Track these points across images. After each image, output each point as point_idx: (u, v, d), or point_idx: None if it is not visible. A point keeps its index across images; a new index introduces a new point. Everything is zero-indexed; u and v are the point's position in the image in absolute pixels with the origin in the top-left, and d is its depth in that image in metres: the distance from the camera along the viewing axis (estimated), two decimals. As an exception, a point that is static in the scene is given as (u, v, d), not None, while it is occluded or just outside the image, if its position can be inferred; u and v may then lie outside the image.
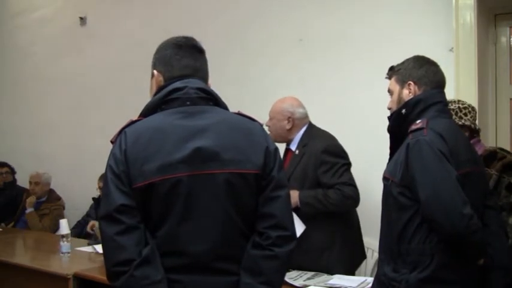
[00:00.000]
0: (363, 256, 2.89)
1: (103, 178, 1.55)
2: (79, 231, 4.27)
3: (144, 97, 1.65)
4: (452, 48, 2.92)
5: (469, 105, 2.37)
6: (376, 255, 2.98)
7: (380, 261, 1.95)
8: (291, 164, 2.75)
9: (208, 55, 1.67)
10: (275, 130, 2.82)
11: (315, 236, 2.62)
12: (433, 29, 3.05)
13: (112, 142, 1.55)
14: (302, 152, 2.74)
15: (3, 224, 4.71)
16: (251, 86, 3.79)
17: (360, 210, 2.79)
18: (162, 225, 1.47)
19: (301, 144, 2.77)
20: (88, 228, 3.87)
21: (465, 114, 2.31)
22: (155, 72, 1.63)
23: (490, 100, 3.12)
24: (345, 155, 2.73)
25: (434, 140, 1.76)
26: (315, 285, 2.37)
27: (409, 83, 1.94)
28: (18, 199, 4.80)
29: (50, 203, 4.61)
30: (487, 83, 3.09)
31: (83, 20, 4.97)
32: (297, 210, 2.55)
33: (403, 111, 1.92)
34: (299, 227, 2.52)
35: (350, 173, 2.70)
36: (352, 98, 3.34)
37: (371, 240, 2.91)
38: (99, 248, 3.14)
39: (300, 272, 2.58)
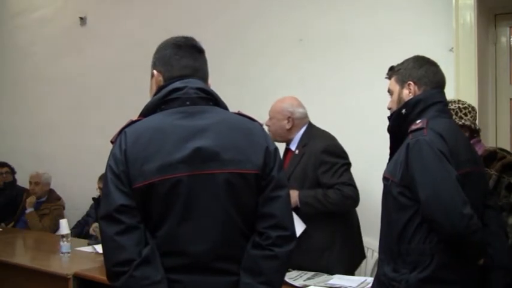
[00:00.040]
0: (363, 256, 2.89)
1: (103, 178, 1.54)
2: (79, 231, 4.27)
3: (144, 97, 1.65)
4: (452, 48, 2.92)
5: (469, 105, 2.36)
6: (376, 255, 2.98)
7: (380, 261, 1.95)
8: (290, 164, 2.75)
9: (208, 55, 1.67)
10: (275, 130, 2.82)
11: (315, 236, 2.62)
12: (433, 29, 3.05)
13: (112, 142, 1.55)
14: (302, 152, 2.74)
15: (3, 224, 4.71)
16: (251, 86, 3.79)
17: (359, 210, 2.79)
18: (162, 225, 1.47)
19: (301, 144, 2.78)
20: (91, 231, 3.87)
21: (465, 114, 2.31)
22: (155, 72, 1.63)
23: (490, 100, 3.12)
24: (344, 155, 2.73)
25: (434, 140, 1.76)
26: (315, 285, 2.37)
27: (409, 83, 1.94)
28: (18, 199, 4.80)
29: (50, 203, 4.61)
30: (487, 83, 3.09)
31: (83, 20, 4.97)
32: (297, 210, 2.55)
33: (403, 111, 1.92)
34: (299, 226, 2.52)
35: (350, 173, 2.70)
36: (352, 98, 3.34)
37: (371, 240, 2.91)
38: (99, 248, 3.14)
39: (300, 272, 2.58)
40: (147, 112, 1.57)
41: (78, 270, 2.84)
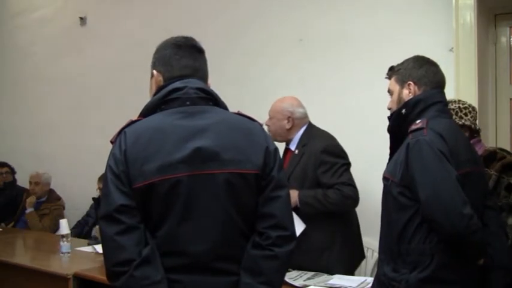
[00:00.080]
0: (362, 256, 2.89)
1: (103, 178, 1.54)
2: (79, 231, 4.27)
3: (144, 97, 1.65)
4: (452, 48, 2.92)
5: (470, 105, 2.36)
6: (376, 255, 2.98)
7: (380, 261, 1.95)
8: (290, 164, 2.75)
9: (208, 55, 1.67)
10: (275, 129, 2.82)
11: (315, 236, 2.62)
12: (433, 29, 3.05)
13: (112, 142, 1.55)
14: (302, 152, 2.74)
15: (3, 224, 4.71)
16: (251, 86, 3.79)
17: (359, 210, 2.79)
18: (162, 225, 1.47)
19: (301, 144, 2.78)
20: (94, 232, 3.86)
21: (465, 114, 2.31)
22: (155, 72, 1.63)
23: (490, 100, 3.12)
24: (344, 155, 2.73)
25: (434, 140, 1.76)
26: (315, 285, 2.37)
27: (409, 83, 1.94)
28: (18, 199, 4.80)
29: (50, 203, 4.61)
30: (487, 83, 3.09)
31: (83, 20, 4.97)
32: (297, 210, 2.54)
33: (403, 111, 1.92)
34: (299, 226, 2.52)
35: (349, 173, 2.70)
36: (352, 98, 3.34)
37: (371, 240, 2.91)
38: (99, 248, 3.14)
39: (300, 272, 2.58)
40: (147, 112, 1.57)
41: (78, 270, 2.84)
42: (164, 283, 1.45)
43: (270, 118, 2.85)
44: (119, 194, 1.45)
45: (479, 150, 2.26)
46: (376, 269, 2.26)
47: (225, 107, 1.63)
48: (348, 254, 2.72)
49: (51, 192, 4.72)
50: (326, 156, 2.67)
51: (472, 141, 2.21)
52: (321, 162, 2.66)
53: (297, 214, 2.50)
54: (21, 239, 4.19)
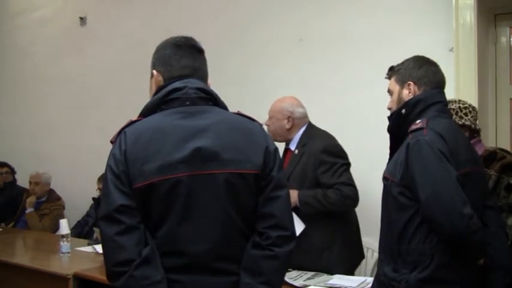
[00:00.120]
0: (362, 256, 2.89)
1: (103, 178, 1.54)
2: (79, 231, 4.27)
3: (144, 97, 1.65)
4: (452, 48, 2.92)
5: (470, 105, 2.36)
6: (376, 255, 2.98)
7: (380, 261, 1.95)
8: (290, 164, 2.75)
9: (208, 55, 1.67)
10: (274, 129, 2.82)
11: (315, 236, 2.62)
12: (433, 29, 3.05)
13: (112, 142, 1.55)
14: (301, 152, 2.74)
15: (3, 224, 4.71)
16: (251, 86, 3.79)
17: (359, 210, 2.79)
18: (162, 225, 1.47)
19: (301, 143, 2.78)
20: (96, 234, 3.86)
21: (465, 114, 2.31)
22: (154, 72, 1.63)
23: (490, 100, 3.12)
24: (344, 155, 2.73)
25: (434, 140, 1.76)
26: (315, 285, 2.37)
27: (409, 83, 1.94)
28: (18, 199, 4.80)
29: (50, 203, 4.61)
30: (487, 83, 3.09)
31: (83, 20, 4.98)
32: (296, 209, 2.54)
33: (403, 111, 1.92)
34: (298, 226, 2.52)
35: (349, 173, 2.70)
36: (352, 98, 3.34)
37: (371, 240, 2.91)
38: (99, 248, 3.14)
39: (300, 272, 2.58)
40: (146, 112, 1.57)
41: (78, 270, 2.84)
42: (164, 283, 1.45)
43: (270, 118, 2.85)
44: (119, 194, 1.45)
45: (480, 151, 2.25)
46: (376, 269, 2.26)
47: (224, 107, 1.63)
48: (347, 254, 2.72)
49: (51, 192, 4.72)
50: (326, 156, 2.67)
51: (472, 141, 2.21)
52: (320, 162, 2.66)
53: (297, 214, 2.50)
54: (21, 239, 4.19)
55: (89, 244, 3.48)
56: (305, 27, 3.58)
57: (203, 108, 1.56)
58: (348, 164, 2.73)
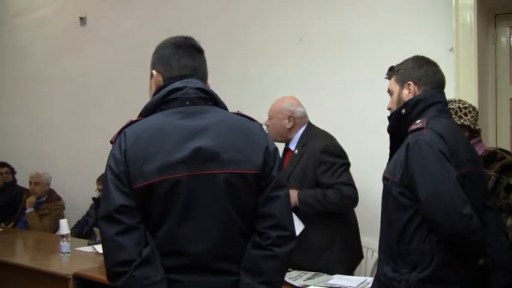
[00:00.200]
0: (361, 256, 2.89)
1: (102, 178, 1.54)
2: (79, 231, 4.27)
3: (144, 97, 1.65)
4: (452, 48, 2.92)
5: (470, 105, 2.35)
6: (376, 255, 2.98)
7: (380, 261, 1.95)
8: (290, 164, 2.75)
9: (208, 55, 1.67)
10: (275, 129, 2.82)
11: (315, 236, 2.62)
12: (433, 29, 3.05)
13: (112, 142, 1.55)
14: (301, 152, 2.74)
15: (3, 224, 4.71)
16: (251, 86, 3.79)
17: (359, 210, 2.79)
18: (162, 225, 1.47)
19: (301, 143, 2.77)
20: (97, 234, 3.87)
21: (465, 114, 2.31)
22: (154, 72, 1.63)
23: (490, 100, 3.12)
24: (344, 155, 2.73)
25: (434, 140, 1.76)
26: (315, 285, 2.37)
27: (409, 83, 1.94)
28: (18, 199, 4.81)
29: (50, 203, 4.61)
30: (487, 83, 3.09)
31: (83, 20, 4.98)
32: (296, 209, 2.54)
33: (403, 111, 1.92)
34: (298, 226, 2.52)
35: (349, 173, 2.70)
36: (352, 98, 3.34)
37: (370, 240, 2.91)
38: (99, 248, 3.14)
39: (300, 272, 2.58)
40: (146, 112, 1.57)
41: (78, 270, 2.84)
42: (164, 283, 1.45)
43: (270, 118, 2.85)
44: (119, 194, 1.45)
45: (480, 151, 2.25)
46: (376, 269, 2.26)
47: (224, 107, 1.63)
48: (347, 254, 2.72)
49: (51, 192, 4.72)
50: (326, 156, 2.67)
51: (472, 142, 2.21)
52: (320, 162, 2.66)
53: (296, 214, 2.50)
54: (21, 239, 4.19)
55: (89, 244, 3.48)
56: (305, 27, 3.58)
57: (203, 108, 1.56)
58: (348, 164, 2.73)
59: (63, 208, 4.69)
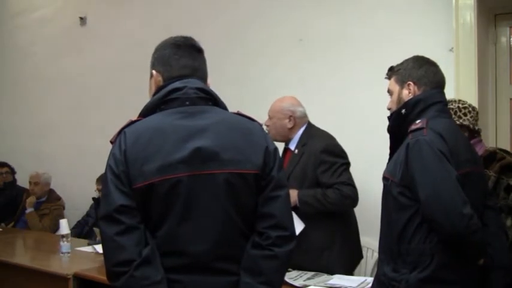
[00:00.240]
0: (361, 256, 2.89)
1: (102, 178, 1.54)
2: (79, 231, 4.27)
3: (144, 97, 1.65)
4: (452, 48, 2.92)
5: (470, 105, 2.35)
6: (376, 255, 2.98)
7: (380, 261, 1.95)
8: (290, 163, 2.75)
9: (208, 55, 1.67)
10: (275, 129, 2.82)
11: (315, 236, 2.62)
12: (433, 29, 3.05)
13: (112, 142, 1.55)
14: (301, 152, 2.74)
15: (3, 224, 4.71)
16: (251, 86, 3.79)
17: (359, 210, 2.79)
18: (162, 225, 1.47)
19: (301, 143, 2.78)
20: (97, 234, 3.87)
21: (464, 114, 2.30)
22: (154, 72, 1.63)
23: (490, 100, 3.12)
24: (344, 155, 2.73)
25: (434, 140, 1.76)
26: (315, 285, 2.37)
27: (409, 83, 1.94)
28: (18, 199, 4.81)
29: (50, 203, 4.61)
30: (487, 83, 3.09)
31: (83, 20, 4.98)
32: (296, 209, 2.55)
33: (403, 111, 1.92)
34: (298, 225, 2.52)
35: (349, 173, 2.70)
36: (352, 98, 3.34)
37: (370, 240, 2.91)
38: (99, 248, 3.14)
39: (300, 272, 2.58)
40: (146, 112, 1.57)
41: (78, 270, 2.84)
42: (164, 283, 1.45)
43: (270, 118, 2.85)
44: (119, 194, 1.45)
45: (480, 151, 2.25)
46: (376, 269, 2.26)
47: (224, 107, 1.63)
48: (347, 254, 2.72)
49: (51, 192, 4.72)
50: (326, 156, 2.67)
51: (472, 142, 2.20)
52: (320, 162, 2.66)
53: (296, 213, 2.50)
54: (21, 239, 4.19)
55: (89, 244, 3.48)
56: (305, 27, 3.58)
57: (203, 108, 1.56)
58: (348, 164, 2.73)
59: (63, 208, 4.69)
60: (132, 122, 1.55)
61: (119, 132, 1.53)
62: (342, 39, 3.41)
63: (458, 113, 2.30)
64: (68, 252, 3.25)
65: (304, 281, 2.45)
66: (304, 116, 2.84)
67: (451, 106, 2.29)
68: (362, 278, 2.52)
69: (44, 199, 4.63)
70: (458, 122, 2.26)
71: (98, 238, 3.65)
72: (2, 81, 5.76)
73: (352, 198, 2.64)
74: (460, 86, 2.85)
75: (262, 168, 1.53)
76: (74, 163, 4.95)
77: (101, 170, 1.68)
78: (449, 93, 2.16)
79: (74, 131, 5.01)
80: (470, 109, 2.33)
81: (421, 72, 1.94)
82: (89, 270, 2.84)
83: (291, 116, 2.79)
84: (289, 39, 3.64)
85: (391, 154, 1.97)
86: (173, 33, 1.67)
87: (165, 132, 1.49)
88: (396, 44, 3.09)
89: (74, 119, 5.02)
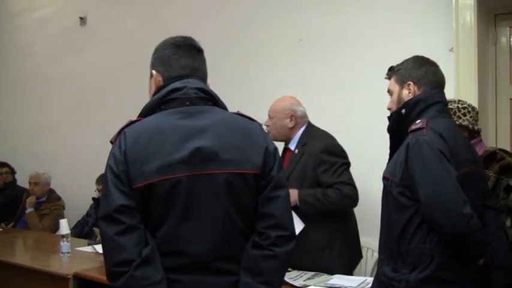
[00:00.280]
0: (360, 256, 2.89)
1: (102, 178, 1.54)
2: (79, 231, 4.27)
3: (144, 97, 1.65)
4: (452, 48, 2.92)
5: (469, 105, 2.34)
6: (376, 255, 2.98)
7: (380, 261, 1.95)
8: (290, 163, 2.75)
9: (208, 55, 1.67)
10: (276, 129, 2.81)
11: (315, 236, 2.62)
12: (433, 29, 3.05)
13: (111, 142, 1.55)
14: (301, 151, 2.74)
15: (3, 224, 4.71)
16: (251, 86, 3.79)
17: (359, 210, 2.79)
18: (162, 225, 1.47)
19: (301, 143, 2.78)
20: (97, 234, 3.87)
21: (464, 115, 2.30)
22: (154, 72, 1.63)
23: (490, 100, 3.12)
24: (344, 155, 2.73)
25: (434, 140, 1.76)
26: (315, 285, 2.37)
27: (409, 83, 1.94)
28: (18, 199, 4.80)
29: (50, 203, 4.61)
30: (487, 83, 3.09)
31: (83, 20, 4.98)
32: (296, 208, 2.55)
33: (403, 111, 1.92)
34: (298, 225, 2.52)
35: (349, 173, 2.70)
36: (352, 98, 3.34)
37: (370, 240, 2.91)
38: (99, 248, 3.14)
39: (300, 272, 2.58)
40: (146, 112, 1.57)
41: (78, 270, 2.84)
42: (164, 283, 1.45)
43: (271, 118, 2.85)
44: (119, 194, 1.45)
45: (480, 151, 2.25)
46: (376, 269, 2.26)
47: (224, 107, 1.63)
48: (347, 254, 2.73)
49: (51, 192, 4.72)
50: (326, 156, 2.67)
51: (472, 142, 2.20)
52: (320, 162, 2.66)
53: (297, 213, 2.50)
54: (21, 239, 4.19)
55: (89, 244, 3.48)
56: (305, 27, 3.58)
57: (203, 108, 1.56)
58: (348, 164, 2.73)
59: (63, 208, 4.69)
60: (132, 122, 1.55)
61: (119, 132, 1.53)
62: (342, 39, 3.41)
63: (458, 113, 2.30)
64: (68, 252, 3.25)
65: (304, 281, 2.45)
66: (305, 115, 2.85)
67: (451, 106, 2.28)
68: (362, 278, 2.52)
69: (44, 199, 4.63)
70: (457, 122, 2.26)
71: (98, 238, 3.65)
72: (2, 81, 5.76)
73: (353, 198, 2.65)
74: (460, 86, 2.85)
75: (262, 168, 1.53)
76: (74, 163, 4.95)
77: (101, 170, 1.68)
78: (449, 93, 2.16)
79: (74, 131, 5.01)
80: (469, 109, 2.33)
81: (421, 72, 1.94)
82: (89, 270, 2.85)
83: (292, 116, 2.80)
84: (289, 39, 3.64)
85: (391, 154, 1.97)
86: (173, 33, 1.67)
87: (165, 132, 1.49)
88: (396, 44, 3.09)
89: (74, 119, 5.01)
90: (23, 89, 5.54)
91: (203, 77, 1.63)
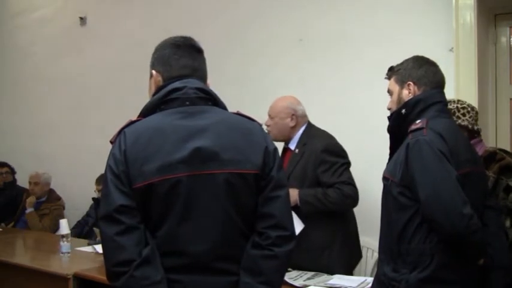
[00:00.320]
0: (360, 256, 2.89)
1: (103, 178, 1.54)
2: (79, 231, 4.27)
3: (144, 97, 1.65)
4: (452, 48, 2.92)
5: (469, 105, 2.34)
6: (376, 255, 2.98)
7: (380, 261, 1.95)
8: (290, 163, 2.75)
9: (208, 55, 1.67)
10: (277, 129, 2.81)
11: (316, 235, 2.62)
12: (433, 29, 3.05)
13: (111, 142, 1.55)
14: (302, 151, 2.74)
15: (3, 224, 4.71)
16: (251, 86, 3.79)
17: (359, 210, 2.79)
18: (162, 225, 1.47)
19: (301, 143, 2.78)
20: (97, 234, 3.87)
21: (463, 115, 2.30)
22: (154, 72, 1.63)
23: (490, 100, 3.12)
24: (344, 154, 2.73)
25: (434, 140, 1.77)
26: (315, 285, 2.37)
27: (409, 83, 1.94)
28: (18, 199, 4.80)
29: (50, 203, 4.61)
30: (487, 83, 3.09)
31: (83, 20, 4.98)
32: (297, 208, 2.55)
33: (403, 111, 1.92)
34: (298, 225, 2.52)
35: (349, 172, 2.70)
36: (352, 98, 3.34)
37: (370, 240, 2.91)
38: (99, 248, 3.14)
39: (300, 272, 2.58)
40: (146, 112, 1.57)
41: (78, 270, 2.84)
42: (164, 283, 1.45)
43: (272, 118, 2.84)
44: (119, 194, 1.45)
45: (480, 151, 2.24)
46: (376, 269, 2.26)
47: (224, 107, 1.63)
48: (347, 254, 2.73)
49: (51, 192, 4.72)
50: (326, 156, 2.67)
51: (472, 142, 2.20)
52: (321, 162, 2.67)
53: (297, 213, 2.50)
54: (21, 239, 4.19)
55: (89, 244, 3.48)
56: (305, 27, 3.58)
57: (203, 108, 1.56)
58: (348, 164, 2.73)
59: (63, 208, 4.69)
60: (132, 122, 1.55)
61: (119, 132, 1.53)
62: (342, 39, 3.41)
63: (457, 114, 2.30)
64: (68, 252, 3.25)
65: (304, 281, 2.45)
66: (305, 115, 2.85)
67: (450, 106, 2.28)
68: (362, 278, 2.52)
69: (44, 199, 4.63)
70: (457, 123, 2.26)
71: (98, 238, 3.65)
72: (2, 81, 5.76)
73: (353, 197, 2.65)
74: (460, 86, 2.85)
75: (262, 168, 1.53)
76: (74, 163, 4.95)
77: (101, 170, 1.68)
78: (449, 93, 2.16)
79: (74, 131, 5.01)
80: (469, 109, 2.32)
81: (421, 72, 1.94)
82: (89, 270, 2.84)
83: (293, 115, 2.80)
84: (289, 39, 3.64)
85: (391, 154, 1.97)
86: (173, 33, 1.67)
87: (165, 132, 1.49)
88: (396, 44, 3.09)
89: (74, 119, 5.01)
90: (23, 89, 5.54)
91: (203, 77, 1.63)
